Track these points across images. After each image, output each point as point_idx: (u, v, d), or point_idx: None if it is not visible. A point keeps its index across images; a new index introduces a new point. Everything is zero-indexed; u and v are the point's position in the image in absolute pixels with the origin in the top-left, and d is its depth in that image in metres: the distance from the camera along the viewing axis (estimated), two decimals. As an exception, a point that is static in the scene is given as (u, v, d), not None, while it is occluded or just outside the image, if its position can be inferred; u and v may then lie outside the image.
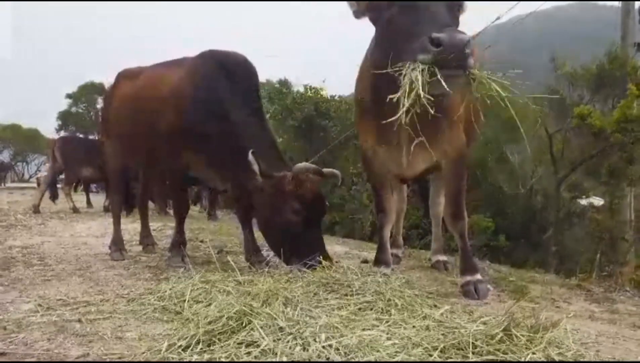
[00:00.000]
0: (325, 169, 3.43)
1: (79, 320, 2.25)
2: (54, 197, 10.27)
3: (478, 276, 2.99)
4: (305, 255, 3.10)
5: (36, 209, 9.15)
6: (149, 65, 4.26)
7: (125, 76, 4.32)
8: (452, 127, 2.99)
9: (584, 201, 12.47)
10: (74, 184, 12.00)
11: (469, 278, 2.98)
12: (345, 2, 2.90)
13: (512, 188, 14.02)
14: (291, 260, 3.17)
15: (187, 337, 1.92)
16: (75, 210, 9.66)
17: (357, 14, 2.86)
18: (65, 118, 34.73)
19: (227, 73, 3.55)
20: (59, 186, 10.90)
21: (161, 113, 3.59)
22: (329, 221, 12.62)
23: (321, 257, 3.06)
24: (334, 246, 5.48)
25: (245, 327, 1.94)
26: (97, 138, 31.04)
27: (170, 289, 2.68)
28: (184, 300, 2.46)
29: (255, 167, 3.17)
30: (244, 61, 3.71)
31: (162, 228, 6.78)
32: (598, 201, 11.56)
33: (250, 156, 3.17)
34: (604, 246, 8.92)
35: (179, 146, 3.55)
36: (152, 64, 4.22)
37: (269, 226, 3.36)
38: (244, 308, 2.02)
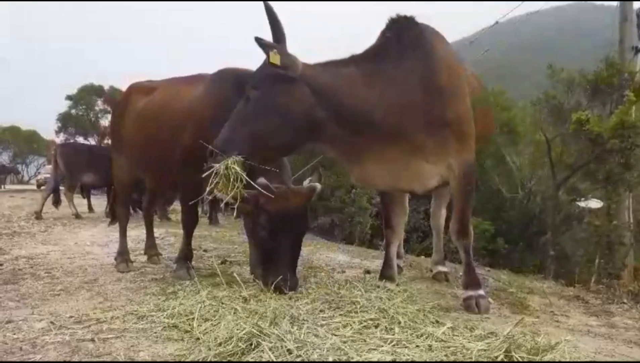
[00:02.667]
0: (300, 186, 3.39)
1: (92, 340, 2.31)
2: (57, 203, 10.32)
3: (480, 291, 3.05)
4: (265, 275, 3.12)
5: (38, 216, 9.23)
6: (160, 80, 4.30)
7: (137, 90, 4.33)
8: (460, 141, 3.02)
9: (582, 204, 12.53)
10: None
11: (471, 292, 3.04)
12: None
13: (510, 191, 14.10)
14: (260, 275, 3.24)
15: (198, 359, 1.99)
16: (77, 216, 9.73)
17: None
18: (64, 120, 34.71)
19: (242, 91, 3.56)
20: (61, 188, 10.94)
21: (178, 131, 3.61)
22: (329, 224, 12.70)
23: (281, 282, 3.00)
24: (337, 254, 5.56)
25: (254, 348, 2.01)
26: (96, 142, 31.17)
27: (178, 306, 2.75)
28: (193, 318, 2.52)
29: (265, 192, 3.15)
30: None
31: (165, 236, 6.85)
32: (596, 204, 11.62)
33: (261, 182, 3.12)
34: (601, 250, 8.99)
35: (196, 163, 3.56)
36: (164, 79, 4.26)
37: (250, 239, 3.48)
38: (252, 330, 2.09)
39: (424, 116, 2.91)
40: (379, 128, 2.89)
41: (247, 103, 2.93)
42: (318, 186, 3.38)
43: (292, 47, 2.93)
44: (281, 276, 3.00)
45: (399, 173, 3.12)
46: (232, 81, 3.63)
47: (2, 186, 29.53)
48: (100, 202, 13.34)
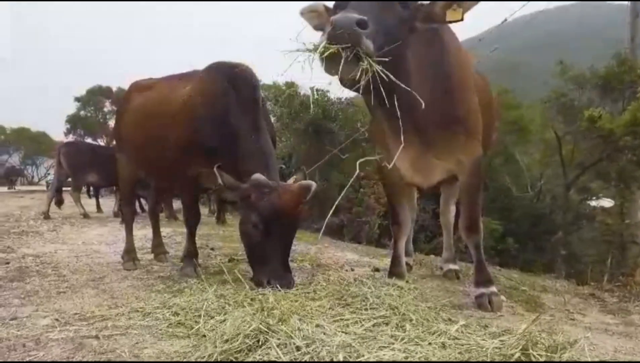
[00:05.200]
0: (296, 183, 3.34)
1: (96, 337, 2.27)
2: (59, 203, 10.27)
3: (492, 289, 2.98)
4: (259, 273, 3.12)
5: (46, 215, 9.24)
6: (159, 77, 4.31)
7: (137, 88, 4.36)
8: (469, 137, 2.99)
9: (593, 203, 12.38)
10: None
11: (483, 290, 2.97)
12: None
13: (519, 190, 13.95)
14: (255, 274, 3.19)
15: (204, 356, 1.94)
16: (85, 216, 9.73)
17: (318, 27, 2.77)
18: (73, 121, 35.04)
19: (231, 85, 3.60)
20: (67, 189, 10.95)
21: (171, 127, 3.63)
22: (337, 224, 12.65)
23: (277, 281, 2.99)
24: (345, 252, 5.49)
25: (261, 345, 1.95)
26: (104, 142, 31.32)
27: (184, 303, 2.70)
28: (199, 315, 2.47)
29: (219, 179, 3.21)
30: (248, 71, 3.74)
31: (172, 234, 6.81)
32: (608, 203, 11.47)
33: (215, 170, 3.21)
34: (613, 249, 8.85)
35: (189, 158, 3.57)
36: (163, 76, 4.27)
37: (241, 237, 3.39)
38: (260, 326, 2.03)
39: (435, 112, 2.85)
40: (411, 118, 2.75)
41: (404, 23, 2.48)
42: (313, 184, 3.34)
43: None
44: (276, 275, 3.02)
45: (414, 167, 3.11)
46: (222, 75, 3.67)
47: (13, 187, 29.73)
48: (108, 202, 13.37)
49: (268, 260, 3.12)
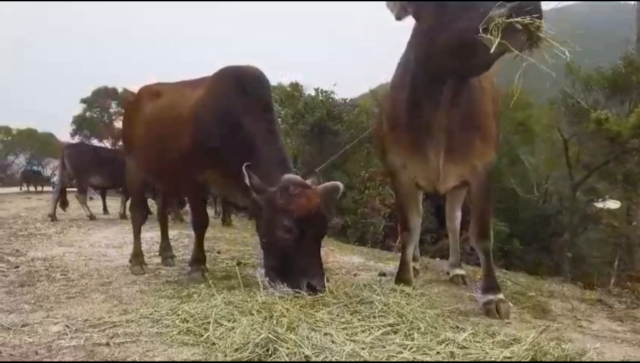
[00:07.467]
0: (325, 184, 3.31)
1: (107, 344, 2.29)
2: (63, 204, 10.30)
3: (500, 295, 2.98)
4: (296, 277, 3.00)
5: (53, 217, 9.30)
6: (169, 83, 4.34)
7: (146, 93, 4.38)
8: (485, 141, 3.01)
9: (600, 204, 12.31)
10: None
11: (491, 297, 2.96)
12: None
13: (526, 191, 13.90)
14: (281, 280, 3.07)
15: (215, 365, 1.95)
16: (91, 217, 9.79)
17: (400, 15, 2.79)
18: (79, 123, 35.22)
19: (242, 89, 3.58)
20: (72, 190, 11.00)
21: (181, 132, 3.64)
22: (341, 225, 12.65)
23: (315, 281, 2.94)
24: (350, 256, 5.50)
25: (271, 355, 1.97)
26: (109, 144, 31.42)
27: (193, 309, 2.71)
28: (208, 322, 2.48)
29: (247, 180, 3.12)
30: (259, 74, 3.72)
31: (179, 237, 6.85)
32: (614, 204, 11.42)
33: (244, 170, 3.13)
34: (620, 251, 8.81)
35: (199, 164, 3.58)
36: (173, 82, 4.31)
37: (263, 243, 3.30)
38: (269, 335, 2.05)
39: (460, 114, 2.88)
40: (448, 115, 2.86)
41: None
42: (341, 184, 3.34)
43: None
44: (313, 275, 2.98)
45: (430, 171, 3.11)
46: (229, 77, 3.67)
47: (34, 187, 30.11)
48: (115, 204, 13.43)
49: (304, 262, 3.03)
